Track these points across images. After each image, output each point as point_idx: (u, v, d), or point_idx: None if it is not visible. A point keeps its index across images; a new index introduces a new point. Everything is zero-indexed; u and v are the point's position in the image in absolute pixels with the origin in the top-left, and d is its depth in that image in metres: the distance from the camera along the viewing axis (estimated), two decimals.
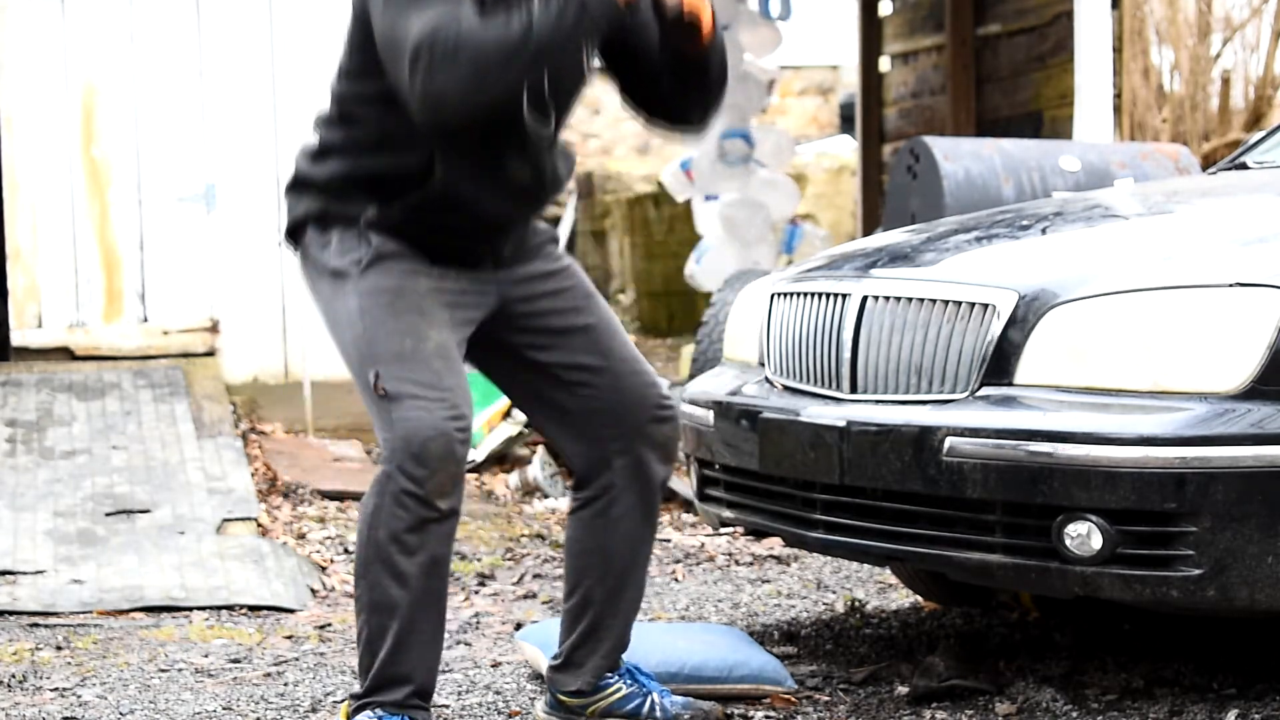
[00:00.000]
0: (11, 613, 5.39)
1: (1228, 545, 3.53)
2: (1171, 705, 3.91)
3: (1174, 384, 3.62)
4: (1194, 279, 3.73)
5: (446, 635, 4.60)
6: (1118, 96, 8.93)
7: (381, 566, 3.50)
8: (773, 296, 4.41)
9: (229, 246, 9.02)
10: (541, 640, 4.28)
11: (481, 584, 5.83)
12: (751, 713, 4.04)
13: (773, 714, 4.04)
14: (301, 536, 6.37)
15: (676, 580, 5.86)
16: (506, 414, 7.72)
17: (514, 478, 7.52)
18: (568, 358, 3.71)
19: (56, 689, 4.47)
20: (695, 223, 10.21)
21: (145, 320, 9.01)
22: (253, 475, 6.95)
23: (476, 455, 7.66)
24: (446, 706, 4.14)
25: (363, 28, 3.52)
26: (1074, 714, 3.90)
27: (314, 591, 5.71)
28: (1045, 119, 10.32)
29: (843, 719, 3.99)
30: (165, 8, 9.02)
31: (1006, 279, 3.91)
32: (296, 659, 4.78)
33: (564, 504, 6.96)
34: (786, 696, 4.13)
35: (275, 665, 4.71)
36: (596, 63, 3.67)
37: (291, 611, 5.45)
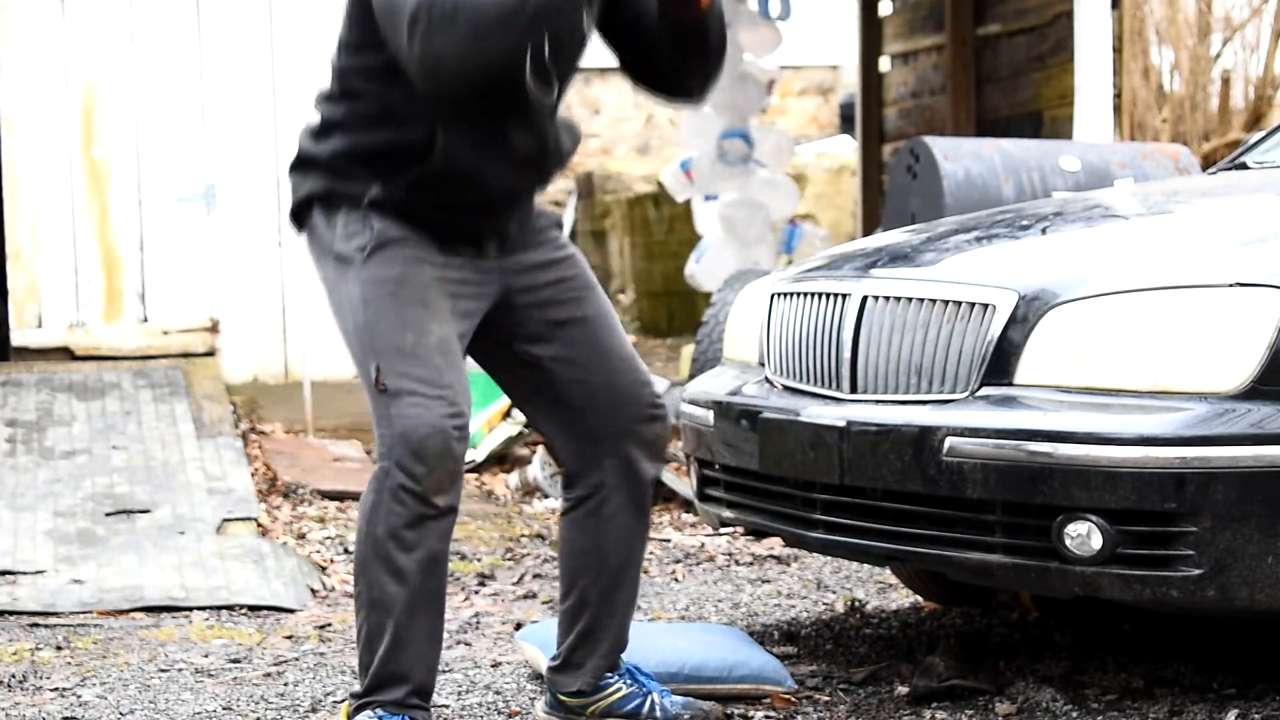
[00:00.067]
0: (11, 613, 5.39)
1: (1228, 545, 3.53)
2: (1171, 705, 3.90)
3: (1174, 384, 3.62)
4: (1194, 279, 3.73)
5: (446, 635, 4.61)
6: (1118, 96, 8.93)
7: (380, 563, 3.50)
8: (773, 296, 4.41)
9: (229, 246, 9.03)
10: (541, 640, 4.28)
11: (481, 584, 5.82)
12: (751, 713, 4.04)
13: (773, 714, 4.04)
14: (301, 536, 6.37)
15: (676, 580, 5.86)
16: (506, 414, 7.71)
17: (514, 478, 7.51)
18: (564, 351, 3.70)
19: (56, 689, 4.47)
20: (695, 223, 10.20)
21: (145, 320, 9.02)
22: (253, 475, 6.95)
23: (476, 455, 7.65)
24: (446, 706, 4.14)
25: (362, 1, 3.51)
26: (1074, 714, 3.90)
27: (314, 591, 5.71)
28: (1045, 119, 10.31)
29: (843, 719, 3.99)
30: (165, 8, 9.03)
31: (1006, 279, 3.91)
32: (296, 659, 4.78)
33: None
34: (786, 696, 4.13)
35: (275, 665, 4.71)
36: (595, 34, 3.65)
37: (291, 611, 5.45)
